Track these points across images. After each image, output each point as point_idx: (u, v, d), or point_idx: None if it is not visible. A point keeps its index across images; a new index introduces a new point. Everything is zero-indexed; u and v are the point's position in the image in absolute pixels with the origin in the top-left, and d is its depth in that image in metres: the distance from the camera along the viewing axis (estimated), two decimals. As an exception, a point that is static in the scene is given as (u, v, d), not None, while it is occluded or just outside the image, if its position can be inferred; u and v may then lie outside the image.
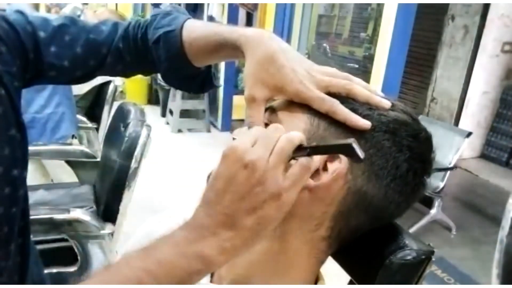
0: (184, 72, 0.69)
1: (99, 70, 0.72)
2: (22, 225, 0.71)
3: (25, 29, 0.65)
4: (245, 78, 0.54)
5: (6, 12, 0.66)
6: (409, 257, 0.47)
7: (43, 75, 0.69)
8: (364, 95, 0.50)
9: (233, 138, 0.55)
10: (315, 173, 0.48)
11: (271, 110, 0.54)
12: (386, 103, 0.50)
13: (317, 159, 0.47)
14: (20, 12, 0.67)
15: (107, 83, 2.61)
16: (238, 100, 4.72)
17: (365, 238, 0.52)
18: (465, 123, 4.21)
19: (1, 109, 0.62)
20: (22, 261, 0.73)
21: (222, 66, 4.63)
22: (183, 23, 0.66)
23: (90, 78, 0.74)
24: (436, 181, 2.75)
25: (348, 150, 0.42)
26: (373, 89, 0.53)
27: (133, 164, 1.42)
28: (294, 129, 0.49)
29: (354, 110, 0.48)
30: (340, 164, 0.46)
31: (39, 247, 1.43)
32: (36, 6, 2.06)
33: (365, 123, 0.47)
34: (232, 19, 4.57)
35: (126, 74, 0.76)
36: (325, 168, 0.47)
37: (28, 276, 0.75)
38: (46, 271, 1.39)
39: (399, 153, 0.48)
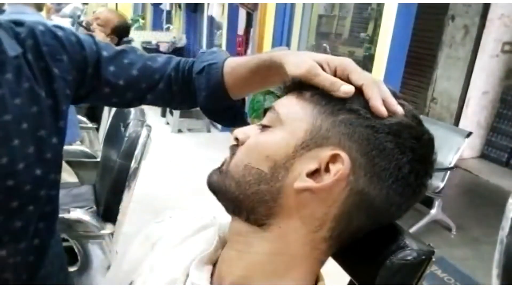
0: (220, 102, 0.76)
1: (150, 94, 0.78)
2: (42, 226, 0.73)
3: (91, 47, 0.74)
4: (298, 62, 0.55)
5: (79, 33, 0.74)
6: (409, 257, 0.47)
7: (98, 91, 0.76)
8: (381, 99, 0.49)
9: (235, 138, 0.55)
10: (317, 175, 0.48)
11: (272, 110, 0.54)
12: (400, 111, 0.49)
13: (318, 160, 0.47)
14: (90, 36, 0.76)
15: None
16: (238, 100, 4.71)
17: (366, 238, 0.52)
18: (465, 123, 4.21)
19: (36, 109, 0.67)
20: (35, 261, 0.73)
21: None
22: (226, 58, 0.75)
23: (140, 102, 0.81)
24: (436, 181, 2.74)
25: None
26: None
27: (133, 164, 1.41)
28: (296, 129, 0.50)
29: (357, 110, 0.48)
30: (342, 166, 0.46)
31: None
32: (39, 7, 2.05)
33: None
34: (232, 19, 4.57)
35: (171, 104, 0.83)
36: (327, 169, 0.47)
37: (39, 277, 0.75)
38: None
39: (401, 154, 0.47)
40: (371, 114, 0.48)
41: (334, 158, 0.47)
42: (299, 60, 0.55)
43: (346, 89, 0.49)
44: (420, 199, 0.52)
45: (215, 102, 0.76)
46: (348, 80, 0.51)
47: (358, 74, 0.51)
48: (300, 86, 0.53)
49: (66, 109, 0.72)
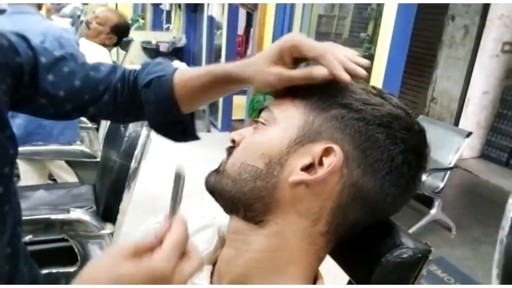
0: (169, 116, 0.73)
1: (93, 106, 0.73)
2: (10, 235, 0.70)
3: (26, 52, 0.66)
4: (261, 77, 0.57)
5: (9, 32, 0.66)
6: (405, 256, 0.48)
7: (34, 101, 0.69)
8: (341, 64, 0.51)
9: (232, 140, 0.56)
10: (311, 168, 0.49)
11: (266, 109, 0.55)
12: (362, 73, 0.51)
13: (312, 154, 0.48)
14: (23, 37, 0.67)
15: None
16: (238, 100, 4.71)
17: (362, 236, 0.52)
18: (465, 123, 4.21)
19: None
20: (10, 269, 0.72)
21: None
22: (175, 70, 0.71)
23: (81, 113, 0.75)
24: (436, 181, 2.75)
25: None
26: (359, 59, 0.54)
27: (133, 164, 1.41)
28: (290, 126, 0.51)
29: (348, 104, 0.50)
30: (335, 158, 0.47)
31: (39, 247, 1.44)
32: (39, 6, 2.04)
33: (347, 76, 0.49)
34: (232, 19, 4.57)
35: (113, 117, 0.78)
36: (320, 163, 0.48)
37: (17, 280, 0.74)
38: (46, 271, 1.40)
39: (393, 145, 0.48)
40: (361, 107, 0.49)
41: (327, 152, 0.48)
42: (261, 77, 0.57)
43: (320, 72, 0.50)
44: (415, 192, 0.52)
45: (164, 116, 0.73)
46: (305, 58, 0.53)
47: (310, 49, 0.52)
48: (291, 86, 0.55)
49: (6, 115, 0.66)
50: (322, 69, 0.50)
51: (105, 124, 2.48)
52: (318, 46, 0.52)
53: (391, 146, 0.48)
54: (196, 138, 0.80)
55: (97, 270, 0.41)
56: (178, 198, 0.47)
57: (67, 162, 2.13)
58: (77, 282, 0.41)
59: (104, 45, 2.51)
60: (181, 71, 0.72)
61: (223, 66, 0.66)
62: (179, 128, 0.76)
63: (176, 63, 5.05)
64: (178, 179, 0.47)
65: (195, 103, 0.73)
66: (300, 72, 0.53)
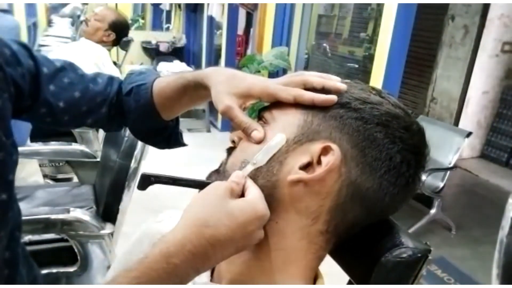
0: (151, 124, 0.73)
1: (90, 117, 0.74)
2: (8, 239, 0.70)
3: (27, 62, 0.66)
4: (216, 98, 0.58)
5: (11, 41, 0.66)
6: (404, 255, 0.48)
7: (34, 110, 0.70)
8: (319, 82, 0.53)
9: (232, 141, 0.56)
10: (310, 167, 0.49)
11: (266, 109, 0.55)
12: (342, 86, 0.52)
13: (310, 153, 0.49)
14: (24, 46, 0.67)
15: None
16: (238, 100, 4.70)
17: (362, 235, 0.52)
18: (465, 123, 4.21)
19: None
20: (9, 273, 0.72)
21: (222, 64, 4.63)
22: (155, 78, 0.72)
23: (78, 124, 0.76)
24: (436, 181, 2.75)
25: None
26: (334, 77, 0.55)
27: (133, 164, 1.41)
28: (288, 125, 0.51)
29: (346, 104, 0.50)
30: (333, 157, 0.48)
31: (39, 247, 1.44)
32: None
33: (332, 97, 0.50)
34: (232, 19, 4.57)
35: (106, 127, 0.79)
36: (319, 162, 0.49)
37: (17, 283, 0.74)
38: (46, 271, 1.40)
39: (392, 144, 0.49)
40: (360, 106, 0.50)
41: (325, 151, 0.49)
42: (214, 98, 0.58)
43: (257, 136, 0.52)
44: (414, 192, 0.53)
45: (146, 124, 0.73)
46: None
47: (283, 95, 0.53)
48: None
49: (9, 123, 0.65)
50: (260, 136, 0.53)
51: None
52: (287, 90, 0.53)
53: (389, 145, 0.49)
54: (182, 145, 0.79)
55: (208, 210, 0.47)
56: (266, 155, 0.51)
57: (67, 162, 2.13)
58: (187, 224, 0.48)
59: (103, 42, 2.51)
60: (160, 78, 0.72)
61: (195, 71, 0.67)
62: (164, 135, 0.77)
63: (176, 63, 5.05)
64: (276, 143, 0.50)
65: (173, 110, 0.73)
66: (244, 122, 0.54)
